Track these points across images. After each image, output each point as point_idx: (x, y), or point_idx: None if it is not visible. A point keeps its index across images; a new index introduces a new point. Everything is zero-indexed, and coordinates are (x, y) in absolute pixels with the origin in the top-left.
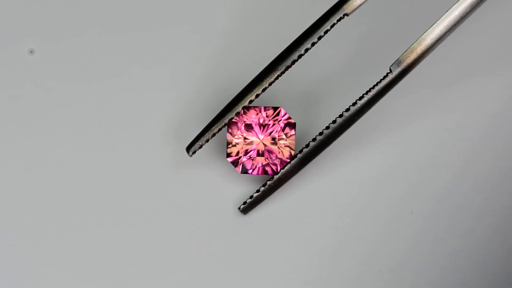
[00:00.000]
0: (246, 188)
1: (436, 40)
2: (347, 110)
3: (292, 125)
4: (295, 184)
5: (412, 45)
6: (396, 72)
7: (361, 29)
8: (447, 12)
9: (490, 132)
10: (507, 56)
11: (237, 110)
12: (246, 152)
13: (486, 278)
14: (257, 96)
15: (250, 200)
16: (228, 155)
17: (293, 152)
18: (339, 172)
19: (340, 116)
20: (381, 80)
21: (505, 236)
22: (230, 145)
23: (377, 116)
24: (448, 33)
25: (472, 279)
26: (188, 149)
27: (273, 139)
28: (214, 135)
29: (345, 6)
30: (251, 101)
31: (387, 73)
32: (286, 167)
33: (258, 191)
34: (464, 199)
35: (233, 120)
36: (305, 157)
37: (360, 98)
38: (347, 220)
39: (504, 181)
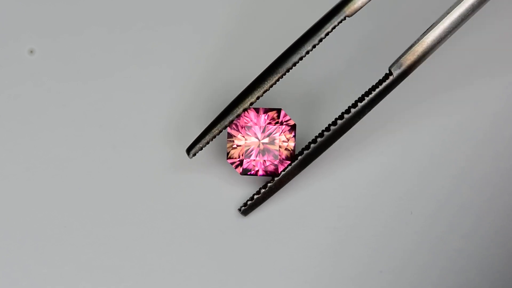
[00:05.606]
0: (246, 190)
1: (437, 42)
2: (348, 111)
3: (292, 127)
4: (296, 185)
5: (413, 47)
6: (396, 73)
7: (362, 31)
8: (448, 14)
9: (490, 133)
10: (507, 57)
11: (238, 112)
12: (247, 154)
13: (487, 278)
14: (258, 98)
15: (250, 201)
16: (229, 156)
17: (293, 154)
18: (339, 174)
19: (341, 117)
20: (381, 81)
21: (506, 236)
22: (230, 147)
23: (378, 117)
24: (448, 35)
25: (473, 279)
26: (188, 151)
27: (274, 140)
28: (214, 137)
29: (345, 8)
30: (252, 103)
31: (388, 75)
32: (287, 169)
33: (258, 192)
34: (465, 199)
35: (233, 121)
36: (306, 158)
37: (361, 100)
38: (347, 221)
39: (505, 181)
